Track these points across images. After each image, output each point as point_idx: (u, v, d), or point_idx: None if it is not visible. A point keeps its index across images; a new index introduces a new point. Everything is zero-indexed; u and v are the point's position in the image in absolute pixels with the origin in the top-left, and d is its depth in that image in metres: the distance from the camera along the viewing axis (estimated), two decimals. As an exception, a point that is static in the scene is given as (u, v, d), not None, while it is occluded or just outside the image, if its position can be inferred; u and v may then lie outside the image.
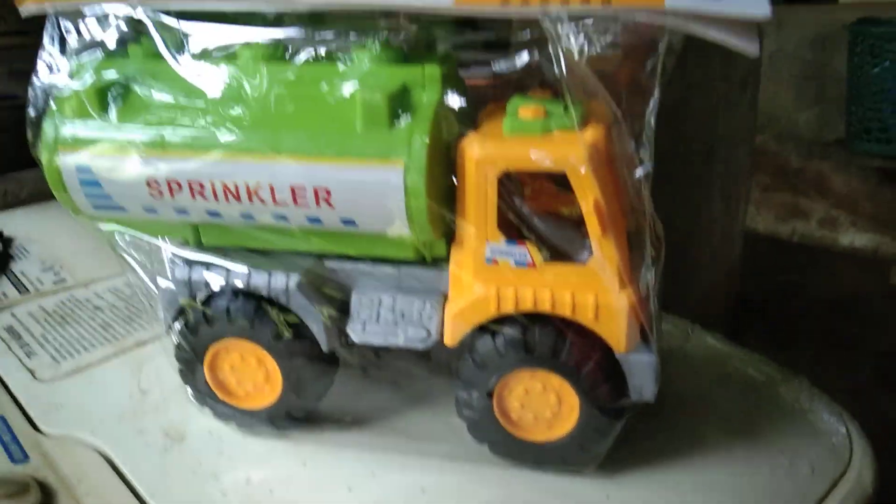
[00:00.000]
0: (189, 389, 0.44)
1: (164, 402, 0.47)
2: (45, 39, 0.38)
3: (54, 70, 0.38)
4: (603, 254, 0.35)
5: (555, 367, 0.37)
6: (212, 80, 0.37)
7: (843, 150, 2.61)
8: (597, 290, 0.36)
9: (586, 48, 0.32)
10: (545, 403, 0.38)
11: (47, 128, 0.38)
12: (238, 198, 0.37)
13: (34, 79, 0.38)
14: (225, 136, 0.36)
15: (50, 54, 0.38)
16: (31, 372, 0.52)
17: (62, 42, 0.39)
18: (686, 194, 2.05)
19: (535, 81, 0.37)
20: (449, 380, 0.41)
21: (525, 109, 0.35)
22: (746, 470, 0.42)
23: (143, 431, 0.45)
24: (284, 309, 0.40)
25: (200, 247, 0.42)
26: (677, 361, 0.51)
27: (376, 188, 0.35)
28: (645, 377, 0.37)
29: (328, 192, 0.36)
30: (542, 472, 0.40)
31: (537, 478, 0.40)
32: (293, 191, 0.36)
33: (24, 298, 0.64)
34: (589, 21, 0.31)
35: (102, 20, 0.38)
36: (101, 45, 0.39)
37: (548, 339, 0.36)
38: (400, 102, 0.35)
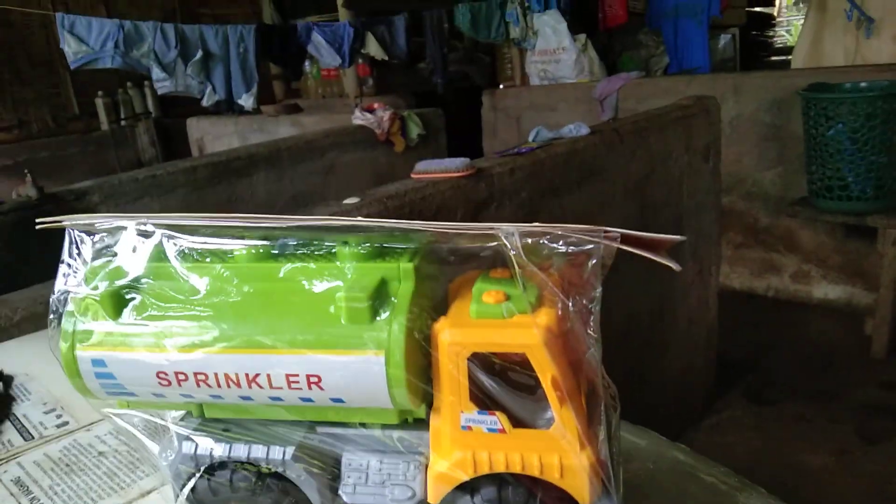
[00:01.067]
0: (197, 549, 0.47)
1: (173, 557, 0.50)
2: (64, 251, 0.43)
3: (71, 276, 0.43)
4: (562, 421, 0.40)
5: (528, 520, 0.41)
6: (210, 281, 0.42)
7: (808, 207, 2.71)
8: (560, 452, 0.40)
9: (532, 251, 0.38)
10: (522, 552, 0.43)
11: (66, 324, 0.43)
12: (238, 385, 0.42)
13: (55, 285, 0.43)
14: (224, 332, 0.41)
15: (68, 264, 0.43)
16: (44, 529, 0.55)
17: (78, 250, 0.44)
18: (659, 264, 2.11)
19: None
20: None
21: (488, 295, 0.40)
22: None
23: (154, 589, 0.48)
24: (282, 477, 0.44)
25: (203, 419, 0.46)
26: (646, 485, 0.56)
27: (361, 373, 0.40)
28: (608, 524, 0.41)
29: (318, 378, 0.41)
30: None
31: None
32: (287, 378, 0.41)
33: (28, 446, 0.67)
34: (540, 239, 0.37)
35: (114, 231, 0.44)
36: (111, 251, 0.44)
37: (520, 497, 0.41)
38: (379, 296, 0.40)
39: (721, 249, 2.46)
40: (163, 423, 0.46)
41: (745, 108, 2.87)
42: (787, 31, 5.83)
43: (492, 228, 0.39)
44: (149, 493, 0.58)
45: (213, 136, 3.64)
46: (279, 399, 0.42)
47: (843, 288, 2.86)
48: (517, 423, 0.41)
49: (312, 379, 0.41)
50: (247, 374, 0.41)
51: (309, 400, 0.42)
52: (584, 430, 0.40)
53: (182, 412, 0.47)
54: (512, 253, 0.39)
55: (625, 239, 0.39)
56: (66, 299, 0.43)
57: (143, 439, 0.46)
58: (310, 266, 0.42)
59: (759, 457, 2.03)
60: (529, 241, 0.39)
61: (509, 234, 0.38)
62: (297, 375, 0.41)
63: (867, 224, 2.48)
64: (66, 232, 0.44)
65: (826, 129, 2.43)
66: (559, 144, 1.71)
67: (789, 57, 3.49)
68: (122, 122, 4.37)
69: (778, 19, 5.90)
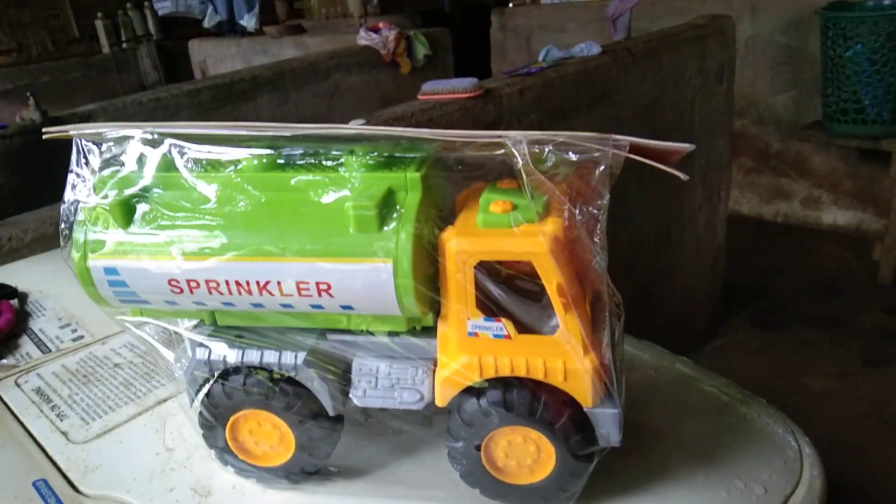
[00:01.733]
0: (212, 451, 0.49)
1: (189, 460, 0.53)
2: (72, 160, 0.43)
3: (80, 186, 0.44)
4: (567, 327, 0.41)
5: (532, 422, 0.43)
6: (220, 189, 0.43)
7: (821, 132, 2.67)
8: (564, 357, 0.41)
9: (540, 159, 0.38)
10: (526, 453, 0.44)
11: (78, 235, 0.43)
12: (249, 292, 0.42)
13: (65, 195, 0.43)
14: (235, 240, 0.41)
15: (76, 174, 0.44)
16: (65, 434, 0.57)
17: (86, 160, 0.44)
18: (669, 189, 2.10)
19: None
20: (433, 431, 0.47)
21: (495, 205, 0.41)
22: (706, 495, 0.48)
23: (173, 489, 0.50)
24: (294, 382, 0.45)
25: (216, 327, 0.47)
26: (647, 394, 0.57)
27: (370, 280, 0.40)
28: (610, 426, 0.42)
29: (328, 286, 0.41)
30: (527, 508, 0.46)
31: (524, 513, 0.46)
32: (297, 285, 0.41)
33: (46, 358, 0.69)
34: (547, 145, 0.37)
35: (121, 140, 0.43)
36: (120, 160, 0.44)
37: (525, 400, 0.42)
38: (386, 205, 0.40)
39: (731, 174, 2.43)
40: (176, 331, 0.47)
41: (761, 28, 2.79)
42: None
43: (499, 136, 0.39)
44: (165, 401, 0.60)
45: (215, 59, 3.58)
46: (290, 306, 0.43)
47: (853, 213, 2.85)
48: (522, 329, 0.42)
49: (322, 286, 0.41)
50: (258, 282, 0.42)
51: (319, 307, 0.43)
52: (588, 335, 0.41)
53: (195, 321, 0.49)
54: (519, 161, 0.38)
55: (633, 148, 0.39)
56: (76, 209, 0.44)
57: (157, 346, 0.48)
58: (318, 177, 0.42)
59: (762, 379, 2.06)
60: (537, 149, 0.39)
61: (517, 142, 0.38)
62: (308, 283, 0.41)
63: (882, 148, 2.44)
64: (74, 142, 0.44)
65: (844, 50, 2.36)
66: (570, 64, 1.67)
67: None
68: (124, 45, 4.29)
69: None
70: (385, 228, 0.40)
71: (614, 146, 0.38)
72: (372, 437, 0.50)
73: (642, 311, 1.95)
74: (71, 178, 0.44)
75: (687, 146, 0.38)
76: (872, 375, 2.07)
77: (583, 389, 0.42)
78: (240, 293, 0.42)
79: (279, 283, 0.42)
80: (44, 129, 0.44)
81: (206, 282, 0.42)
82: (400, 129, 0.41)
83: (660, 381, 0.59)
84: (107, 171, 0.44)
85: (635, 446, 0.49)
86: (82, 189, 0.44)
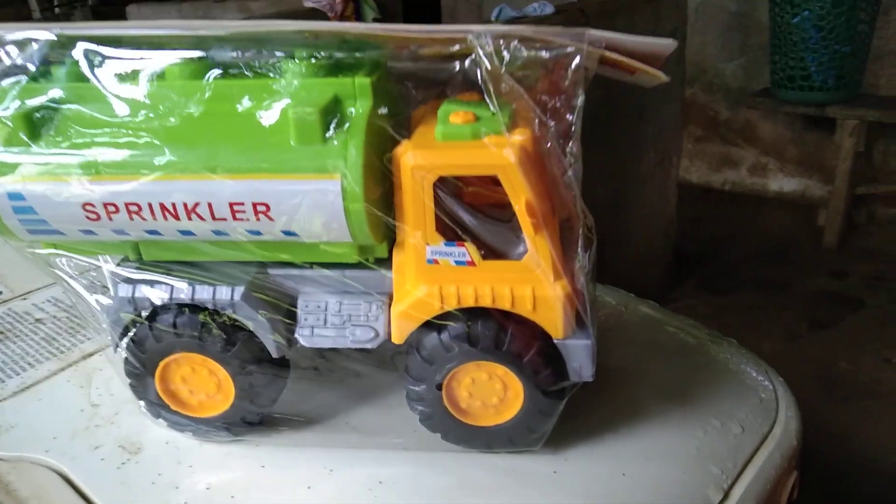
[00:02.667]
0: (142, 403, 0.44)
1: (117, 416, 0.47)
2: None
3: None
4: (537, 249, 0.37)
5: (498, 357, 0.39)
6: (140, 100, 0.37)
7: (769, 99, 2.69)
8: (533, 284, 0.37)
9: (507, 60, 0.34)
10: (491, 391, 0.40)
11: (-27, 155, 0.38)
12: (176, 216, 0.37)
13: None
14: (159, 157, 0.36)
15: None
16: (-24, 394, 0.51)
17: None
18: (620, 153, 2.08)
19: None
20: (396, 374, 0.43)
21: (455, 115, 0.36)
22: (682, 435, 0.45)
23: (98, 447, 0.45)
24: (233, 322, 0.40)
25: (141, 263, 0.42)
26: (615, 334, 0.54)
27: (315, 201, 0.36)
28: (583, 359, 0.39)
29: (267, 207, 0.36)
30: (492, 453, 0.43)
31: (489, 460, 0.43)
32: (231, 207, 0.36)
33: (-41, 315, 0.63)
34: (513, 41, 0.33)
35: (23, 45, 0.38)
36: (23, 69, 0.38)
37: (490, 332, 0.38)
38: (332, 114, 0.36)
39: (682, 141, 2.44)
40: (95, 264, 0.42)
41: (711, -6, 2.79)
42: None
43: (461, 31, 0.34)
44: (91, 355, 0.55)
45: (155, 25, 3.42)
46: (223, 234, 0.38)
47: (798, 180, 2.90)
48: (486, 255, 0.38)
49: (260, 208, 0.36)
50: (185, 204, 0.37)
51: (257, 233, 0.38)
52: (559, 259, 0.37)
53: (118, 258, 0.43)
54: (484, 61, 0.34)
55: (609, 46, 0.35)
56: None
57: (73, 284, 0.42)
58: (252, 82, 0.37)
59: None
60: (503, 44, 0.34)
61: (480, 36, 0.34)
62: (243, 204, 0.36)
63: (826, 115, 2.48)
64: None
65: (791, 17, 2.38)
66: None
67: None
68: (56, 10, 4.08)
69: None
70: (332, 141, 0.35)
71: (589, 42, 0.34)
72: (323, 383, 0.46)
73: (593, 276, 1.93)
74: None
75: (669, 41, 0.34)
76: (819, 337, 2.11)
77: (554, 319, 0.38)
78: (165, 218, 0.37)
79: (210, 204, 0.36)
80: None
81: (127, 205, 0.37)
82: (347, 25, 0.36)
83: (627, 322, 0.56)
84: (7, 81, 0.38)
85: (604, 386, 0.46)
86: (-21, 101, 0.38)
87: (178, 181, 0.36)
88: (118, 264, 0.43)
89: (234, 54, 0.38)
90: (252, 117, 0.36)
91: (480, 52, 0.34)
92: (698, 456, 0.43)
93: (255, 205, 0.36)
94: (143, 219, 0.37)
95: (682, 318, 0.58)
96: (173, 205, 0.37)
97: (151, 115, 0.37)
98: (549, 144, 0.36)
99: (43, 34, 0.37)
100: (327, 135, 0.35)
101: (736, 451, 0.44)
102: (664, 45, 0.34)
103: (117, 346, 0.42)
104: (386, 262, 0.40)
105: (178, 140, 0.36)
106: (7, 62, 0.38)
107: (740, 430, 0.46)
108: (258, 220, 0.37)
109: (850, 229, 2.60)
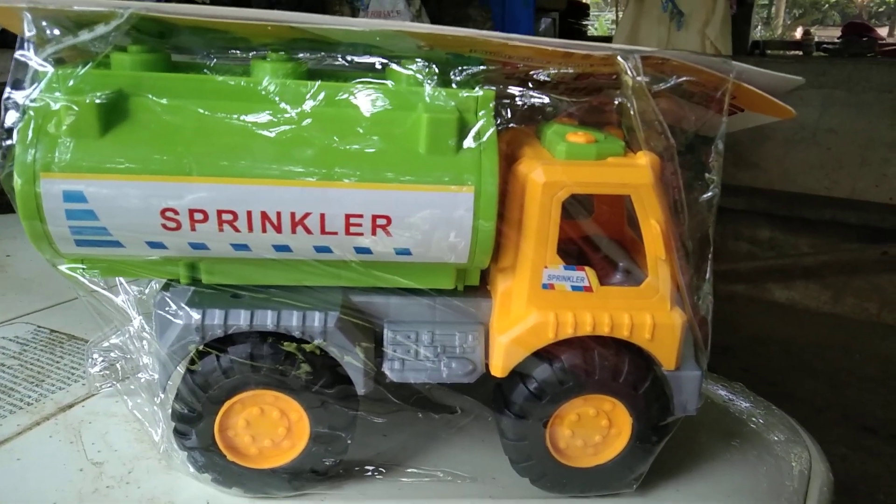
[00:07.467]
0: (184, 453, 0.37)
1: (131, 473, 0.39)
2: (22, 45, 0.31)
3: (28, 80, 0.31)
4: (660, 274, 0.36)
5: (612, 389, 0.37)
6: (234, 95, 0.33)
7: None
8: (653, 311, 0.36)
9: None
10: (596, 428, 0.38)
11: (23, 147, 0.31)
12: (278, 228, 0.32)
13: (8, 90, 0.31)
14: (266, 160, 0.32)
15: (23, 62, 0.31)
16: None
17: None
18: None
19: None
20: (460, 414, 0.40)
21: (574, 135, 0.35)
22: (745, 472, 0.44)
23: (116, 512, 0.37)
24: (320, 351, 0.35)
25: (199, 286, 0.36)
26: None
27: (442, 215, 0.33)
28: (691, 392, 0.38)
29: (388, 220, 0.33)
30: (580, 498, 0.40)
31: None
32: (347, 219, 0.32)
33: None
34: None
35: (91, 22, 0.32)
36: (87, 52, 0.32)
37: (608, 362, 0.36)
38: (464, 125, 0.33)
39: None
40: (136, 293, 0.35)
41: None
42: (593, 26, 6.24)
43: (608, 49, 0.33)
44: (70, 406, 0.46)
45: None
46: (326, 250, 0.34)
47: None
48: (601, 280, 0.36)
49: (380, 221, 0.33)
50: (293, 213, 0.32)
51: (366, 251, 0.34)
52: (684, 286, 0.36)
53: (154, 281, 0.37)
54: (630, 79, 0.33)
55: (740, 76, 0.35)
56: (23, 110, 0.31)
57: (129, 310, 0.35)
58: (370, 85, 0.34)
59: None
60: (643, 65, 0.34)
61: (629, 57, 0.33)
62: (361, 216, 0.32)
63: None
64: (24, 20, 0.32)
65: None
66: None
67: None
68: None
69: (591, 11, 6.29)
70: (465, 152, 0.33)
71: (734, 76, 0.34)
72: (384, 426, 0.41)
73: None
74: (14, 69, 0.31)
75: (798, 79, 0.35)
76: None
77: (670, 348, 0.37)
78: (264, 230, 0.32)
79: (322, 215, 0.32)
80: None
81: (219, 213, 0.32)
82: (473, 30, 0.34)
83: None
84: (71, 66, 0.32)
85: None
86: (32, 85, 0.31)
87: (288, 187, 0.32)
88: (161, 289, 0.37)
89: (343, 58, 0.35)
90: (375, 122, 0.33)
91: (628, 69, 0.33)
92: (769, 491, 0.43)
93: (374, 217, 0.32)
94: (236, 230, 0.32)
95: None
96: (278, 214, 0.32)
97: (249, 112, 0.32)
98: (673, 171, 0.36)
99: (121, 10, 0.32)
100: (465, 144, 0.33)
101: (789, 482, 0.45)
102: (794, 79, 0.35)
103: (164, 387, 0.36)
104: (478, 290, 0.38)
105: (289, 142, 0.32)
106: (66, 42, 0.32)
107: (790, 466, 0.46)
108: (374, 234, 0.33)
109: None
